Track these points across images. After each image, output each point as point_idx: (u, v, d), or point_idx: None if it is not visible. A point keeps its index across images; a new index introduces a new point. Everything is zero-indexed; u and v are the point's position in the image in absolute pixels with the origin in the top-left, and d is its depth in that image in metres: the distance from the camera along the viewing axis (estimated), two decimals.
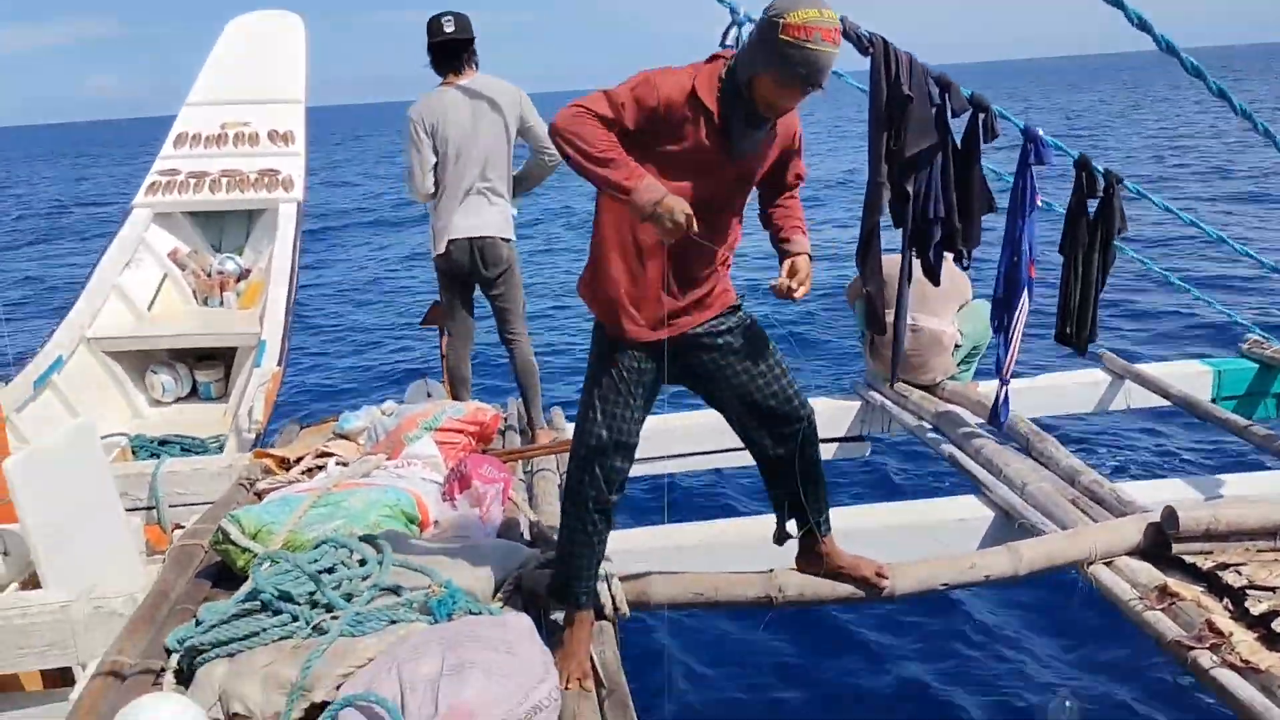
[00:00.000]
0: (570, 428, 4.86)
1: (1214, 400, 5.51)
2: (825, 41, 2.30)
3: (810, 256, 2.71)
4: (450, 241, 4.41)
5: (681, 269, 2.65)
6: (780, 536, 3.07)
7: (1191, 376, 5.55)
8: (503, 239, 4.46)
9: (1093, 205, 4.25)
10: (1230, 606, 2.97)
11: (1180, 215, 4.68)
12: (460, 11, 4.38)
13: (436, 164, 4.39)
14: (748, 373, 2.78)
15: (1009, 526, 3.85)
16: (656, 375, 2.76)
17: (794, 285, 2.62)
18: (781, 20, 2.29)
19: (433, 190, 4.44)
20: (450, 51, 4.38)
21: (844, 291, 5.77)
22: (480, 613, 2.62)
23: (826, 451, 5.30)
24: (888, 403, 5.15)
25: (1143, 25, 3.34)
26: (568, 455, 4.17)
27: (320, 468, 3.99)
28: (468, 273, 4.50)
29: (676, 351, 2.75)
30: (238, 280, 6.92)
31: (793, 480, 2.92)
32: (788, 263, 2.67)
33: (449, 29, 4.35)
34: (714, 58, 2.59)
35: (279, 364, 5.70)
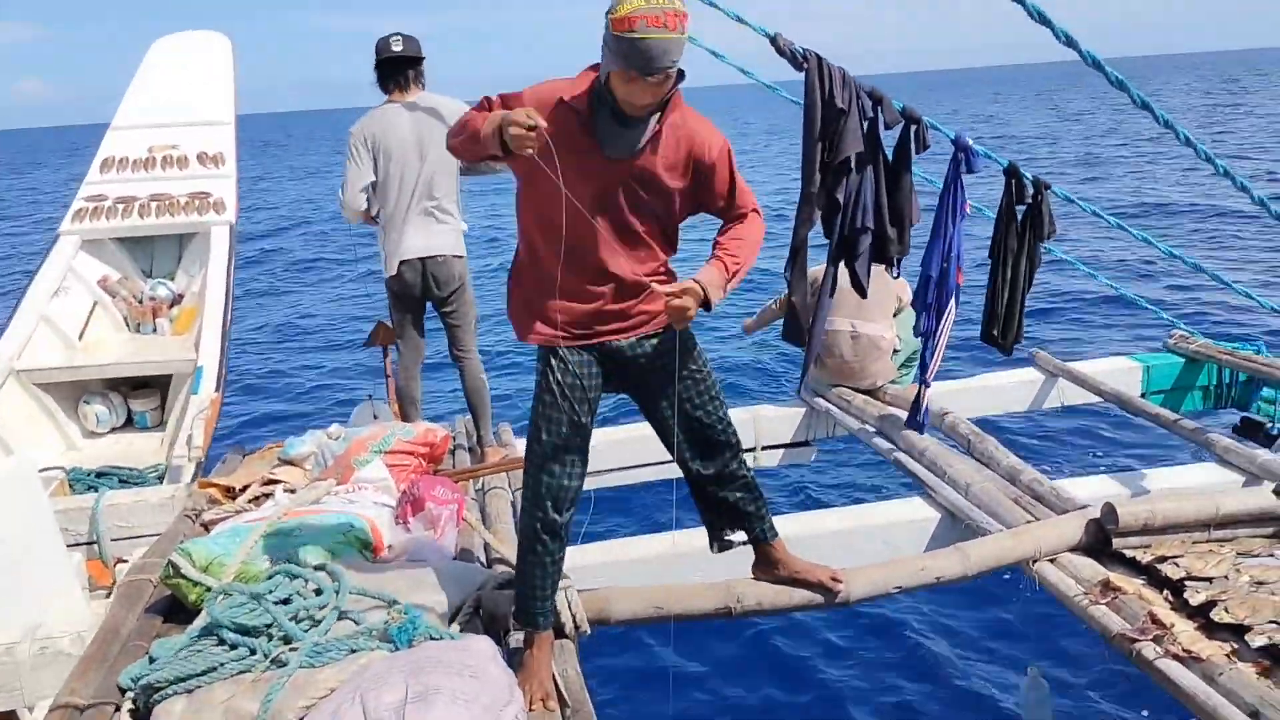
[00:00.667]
0: (520, 443, 4.89)
1: (1143, 395, 5.70)
2: (653, 27, 2.30)
3: (706, 289, 2.52)
4: (402, 262, 4.39)
5: (591, 273, 2.67)
6: (719, 545, 3.13)
7: (1121, 372, 5.73)
8: (454, 256, 4.46)
9: (1021, 210, 4.38)
10: (1170, 598, 3.07)
11: (1106, 218, 4.84)
12: (410, 34, 4.37)
13: (377, 183, 4.36)
14: (683, 388, 2.82)
15: (955, 527, 3.94)
16: (594, 382, 2.79)
17: (664, 290, 2.51)
18: (610, 16, 2.34)
19: (363, 207, 4.42)
20: (396, 68, 4.36)
21: (741, 327, 5.86)
22: (441, 637, 2.61)
23: (773, 458, 5.38)
24: (831, 408, 5.23)
25: (1069, 41, 3.47)
26: (517, 473, 4.20)
27: (267, 496, 3.94)
28: (420, 292, 4.48)
29: (607, 360, 2.79)
30: (171, 306, 6.76)
31: (724, 496, 3.00)
32: (678, 283, 2.55)
33: (397, 48, 4.33)
34: (595, 66, 2.61)
35: (217, 390, 5.59)
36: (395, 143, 4.30)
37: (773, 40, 4.13)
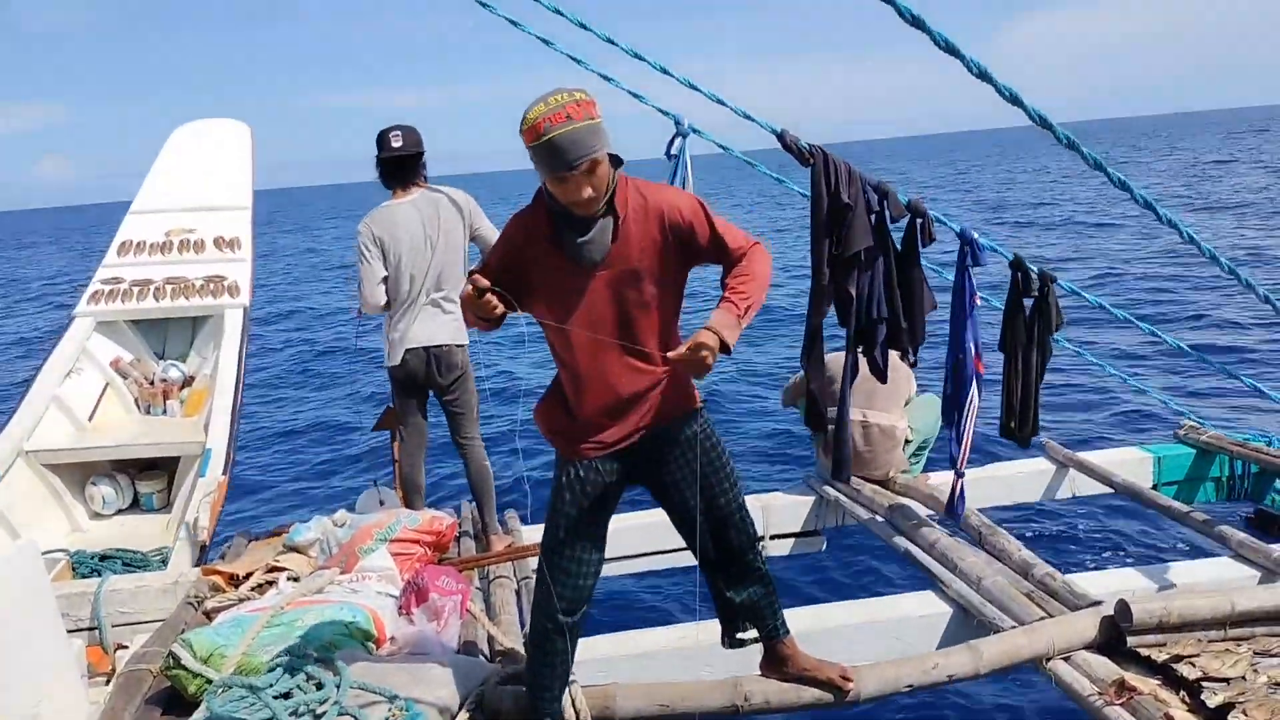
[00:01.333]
0: (525, 530, 4.87)
1: (1155, 486, 5.64)
2: (557, 124, 2.35)
3: (719, 333, 2.47)
4: (408, 351, 4.44)
5: (608, 382, 2.69)
6: (731, 642, 3.08)
7: (1132, 463, 5.68)
8: (457, 345, 4.50)
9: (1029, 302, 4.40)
10: (1187, 699, 3.01)
11: (1115, 312, 4.86)
12: (409, 126, 4.46)
13: (387, 277, 4.42)
14: (703, 481, 2.80)
15: (967, 623, 3.87)
16: (614, 480, 2.78)
17: (675, 356, 2.46)
18: (521, 131, 2.41)
19: (383, 302, 4.48)
20: (400, 166, 4.45)
21: (783, 394, 5.86)
22: None
23: (782, 546, 5.32)
24: (841, 497, 5.19)
25: (1014, 99, 3.42)
26: (523, 561, 4.17)
27: (271, 583, 3.91)
28: (423, 380, 4.52)
29: (628, 457, 2.78)
30: (182, 388, 6.81)
31: (739, 590, 2.97)
32: (691, 338, 2.49)
33: (397, 144, 4.42)
34: (537, 194, 2.66)
35: (224, 473, 5.59)
36: (404, 240, 4.38)
37: (779, 136, 4.21)
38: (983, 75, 2.94)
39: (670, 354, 2.50)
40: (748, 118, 4.32)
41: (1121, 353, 10.73)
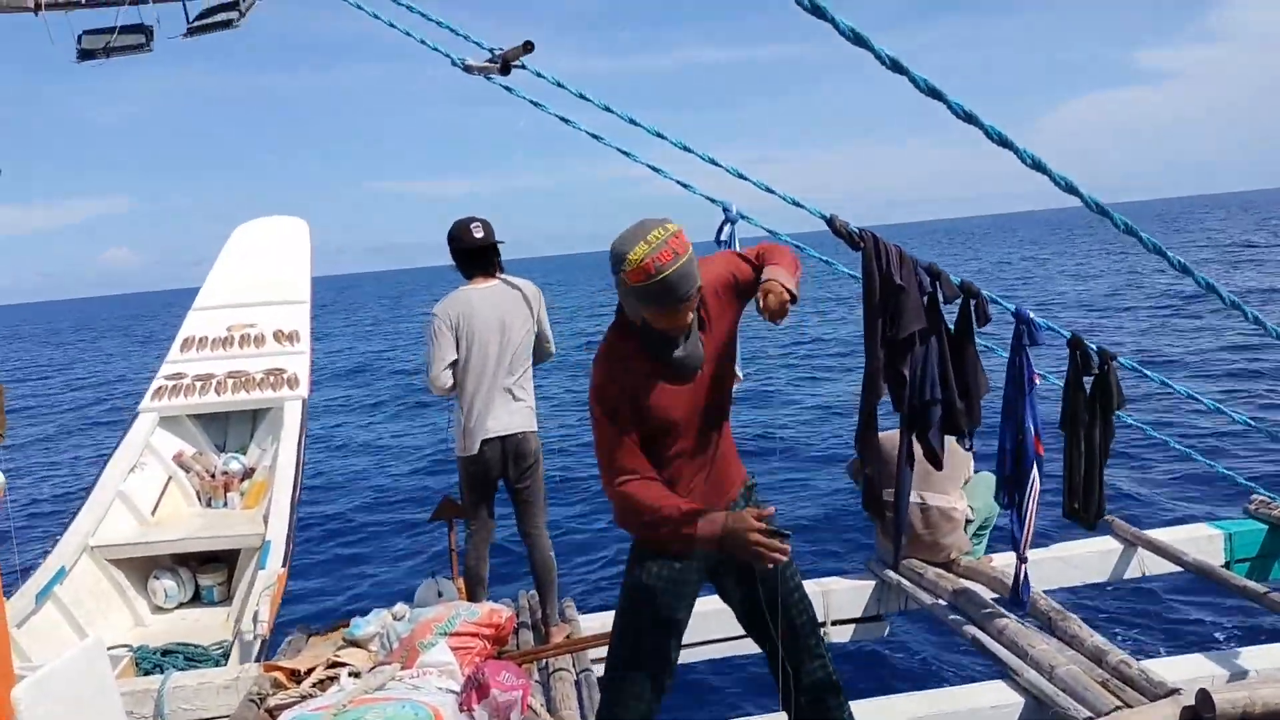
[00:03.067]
0: (584, 619, 4.83)
1: (1227, 564, 5.47)
2: (666, 263, 2.39)
3: (783, 284, 2.60)
4: (484, 441, 4.47)
5: (712, 482, 2.71)
6: None
7: (1202, 541, 5.52)
8: (531, 432, 4.55)
9: (1089, 380, 4.35)
10: None
11: (1177, 388, 4.78)
12: (484, 218, 4.57)
13: (458, 362, 4.48)
14: (779, 585, 2.79)
15: (1041, 713, 3.76)
16: (686, 587, 2.78)
17: (762, 299, 2.56)
18: (623, 272, 2.42)
19: (449, 385, 4.52)
20: (480, 255, 4.55)
21: (847, 469, 5.80)
22: None
23: (844, 633, 5.22)
24: (904, 581, 5.10)
25: (1070, 188, 3.42)
26: (582, 653, 4.14)
27: (332, 679, 3.91)
28: (499, 472, 4.54)
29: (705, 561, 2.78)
30: (242, 480, 6.92)
31: (810, 682, 2.92)
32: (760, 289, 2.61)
33: (479, 234, 4.53)
34: (610, 330, 2.67)
35: (284, 565, 5.64)
36: (479, 326, 4.44)
37: (829, 221, 4.25)
38: (1003, 142, 2.95)
39: (761, 285, 2.57)
40: (796, 204, 4.37)
41: (1186, 430, 10.50)
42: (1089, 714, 3.49)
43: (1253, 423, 5.19)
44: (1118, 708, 3.46)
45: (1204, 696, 3.22)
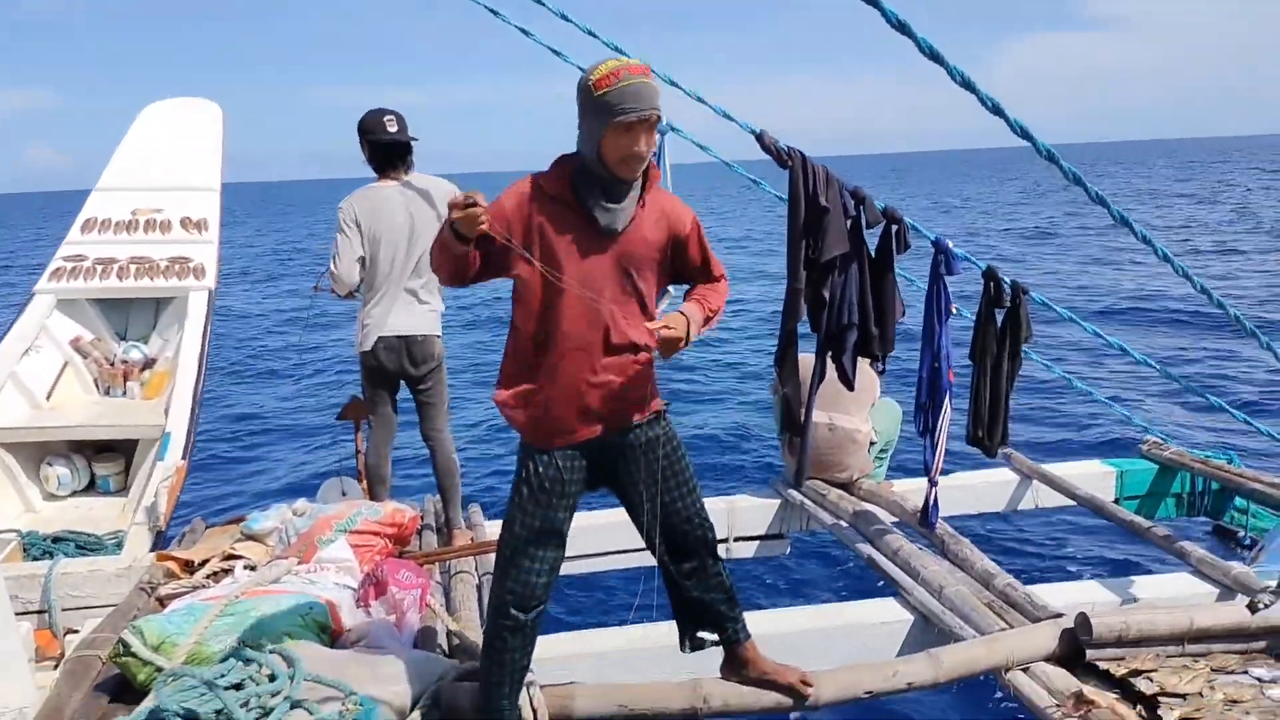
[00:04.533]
0: (489, 525, 4.82)
1: (1117, 500, 5.69)
2: (634, 75, 2.46)
3: (689, 323, 2.67)
4: (380, 339, 4.35)
5: (589, 358, 2.66)
6: (691, 645, 3.06)
7: (1096, 477, 5.73)
8: (434, 336, 4.44)
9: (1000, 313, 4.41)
10: (1144, 714, 3.02)
11: (1085, 326, 4.89)
12: (399, 112, 4.39)
13: (364, 259, 4.34)
14: (663, 485, 2.80)
15: (928, 631, 3.88)
16: (577, 478, 2.75)
17: (655, 326, 2.58)
18: (590, 80, 2.48)
19: (356, 281, 4.38)
20: (391, 152, 4.38)
21: (770, 388, 5.86)
22: None
23: (747, 549, 5.31)
24: (806, 501, 5.19)
25: (995, 109, 3.42)
26: (485, 556, 4.13)
27: (227, 571, 3.84)
28: (396, 370, 4.44)
29: (593, 455, 2.75)
30: (143, 369, 6.69)
31: (699, 595, 2.96)
32: (667, 316, 2.68)
33: (392, 129, 4.34)
34: (564, 158, 2.67)
35: (183, 457, 5.50)
36: (385, 224, 4.29)
37: (758, 137, 4.19)
38: (966, 84, 2.93)
39: (651, 324, 2.59)
40: (727, 117, 4.30)
41: (1088, 367, 10.83)
42: (974, 633, 3.61)
43: (1153, 364, 5.35)
44: (1002, 629, 3.58)
45: (1083, 620, 3.34)
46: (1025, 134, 3.26)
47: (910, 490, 5.09)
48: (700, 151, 4.85)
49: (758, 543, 5.33)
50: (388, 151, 4.37)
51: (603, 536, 4.86)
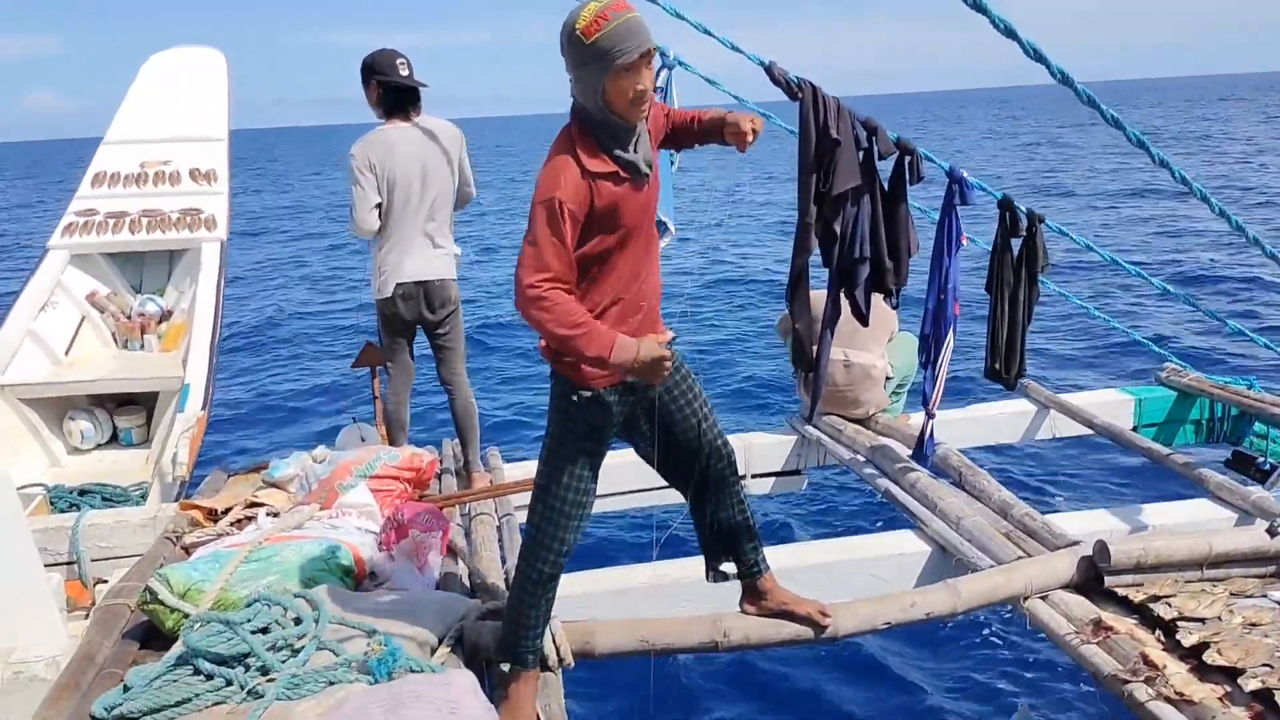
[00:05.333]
0: (507, 468, 4.85)
1: (1135, 428, 5.67)
2: (620, 11, 2.36)
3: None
4: (399, 284, 4.34)
5: (649, 307, 2.68)
6: (715, 575, 3.09)
7: (1113, 405, 5.71)
8: (450, 280, 4.43)
9: (1017, 243, 4.36)
10: (1162, 639, 3.03)
11: (1101, 253, 4.83)
12: (405, 54, 4.31)
13: (380, 204, 4.30)
14: (682, 410, 2.81)
15: (946, 562, 3.89)
16: (616, 422, 2.76)
17: (737, 126, 2.67)
18: (577, 29, 2.37)
19: (376, 227, 4.34)
20: (404, 96, 4.32)
21: (776, 328, 5.83)
22: (422, 670, 2.56)
23: (763, 485, 5.33)
24: (823, 436, 5.19)
25: (1038, 56, 3.38)
26: (504, 499, 4.15)
27: (250, 519, 3.88)
28: (414, 317, 4.43)
29: (629, 394, 2.74)
30: (159, 322, 6.73)
31: (723, 515, 2.98)
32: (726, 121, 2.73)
33: (404, 73, 4.27)
34: (562, 132, 2.56)
35: (203, 408, 5.55)
36: (399, 167, 4.24)
37: (768, 69, 4.12)
38: (1009, 33, 2.88)
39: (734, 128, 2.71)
40: (735, 49, 4.23)
41: (1106, 296, 10.73)
42: (991, 563, 3.62)
43: (1171, 289, 5.29)
44: (1019, 558, 3.60)
45: (1101, 547, 3.35)
46: (1066, 79, 3.20)
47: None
48: (709, 87, 4.78)
49: (774, 479, 5.34)
50: (398, 95, 4.31)
51: (615, 477, 4.85)
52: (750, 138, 2.67)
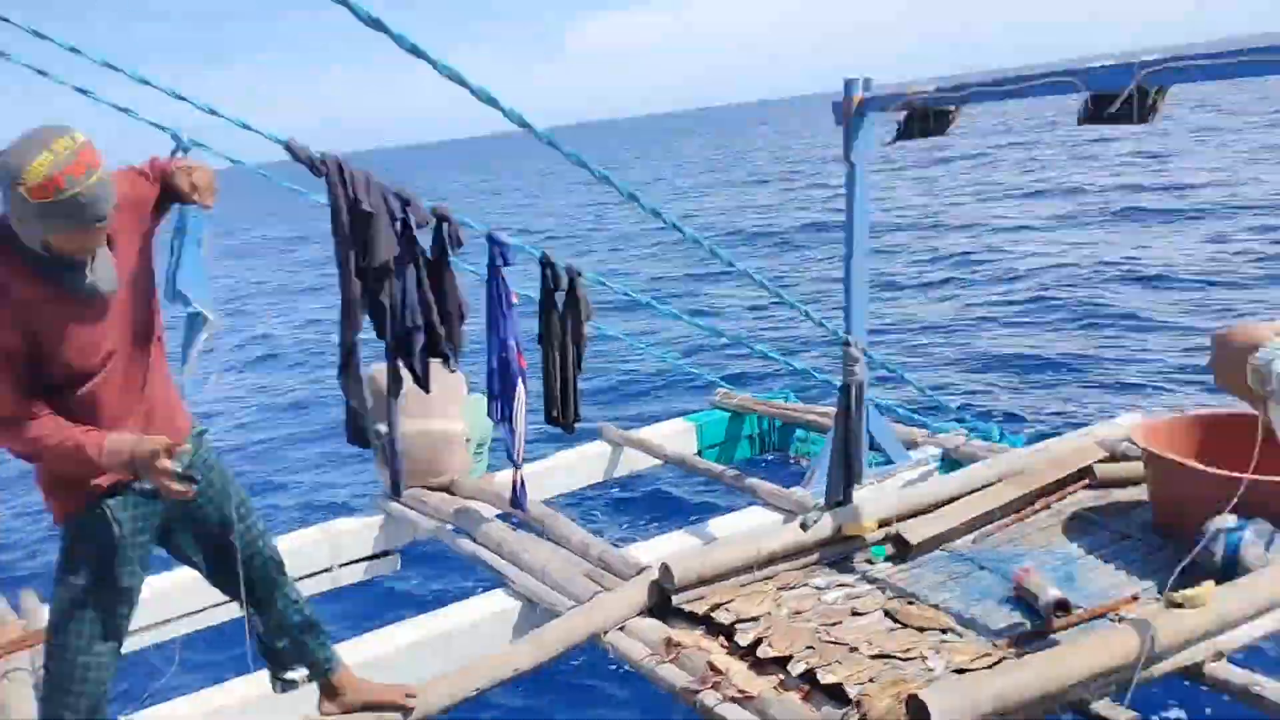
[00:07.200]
0: (46, 610, 4.23)
1: (699, 451, 6.17)
2: (79, 176, 2.07)
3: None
4: None
5: (130, 409, 2.43)
6: (282, 685, 2.91)
7: (679, 434, 6.17)
8: None
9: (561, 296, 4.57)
10: (725, 643, 3.27)
11: (634, 296, 5.22)
12: None
13: None
14: (212, 516, 2.63)
15: (534, 613, 3.95)
16: (143, 527, 2.49)
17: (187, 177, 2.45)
18: (21, 186, 2.05)
19: None
20: None
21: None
22: None
23: (355, 573, 5.11)
24: (408, 511, 5.08)
25: (489, 100, 3.49)
26: (40, 648, 3.62)
27: None
28: None
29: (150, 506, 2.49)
30: None
31: (281, 627, 2.84)
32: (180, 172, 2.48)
33: None
34: None
35: None
36: None
37: (287, 146, 4.00)
38: (454, 77, 2.98)
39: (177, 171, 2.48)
40: (247, 128, 4.07)
41: (655, 333, 11.35)
42: (575, 604, 3.72)
43: (699, 324, 5.84)
44: (596, 593, 3.73)
45: (665, 568, 3.55)
46: (523, 122, 3.35)
47: (509, 479, 5.14)
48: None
49: (366, 564, 5.15)
50: None
51: (174, 601, 4.39)
52: (195, 195, 2.44)
